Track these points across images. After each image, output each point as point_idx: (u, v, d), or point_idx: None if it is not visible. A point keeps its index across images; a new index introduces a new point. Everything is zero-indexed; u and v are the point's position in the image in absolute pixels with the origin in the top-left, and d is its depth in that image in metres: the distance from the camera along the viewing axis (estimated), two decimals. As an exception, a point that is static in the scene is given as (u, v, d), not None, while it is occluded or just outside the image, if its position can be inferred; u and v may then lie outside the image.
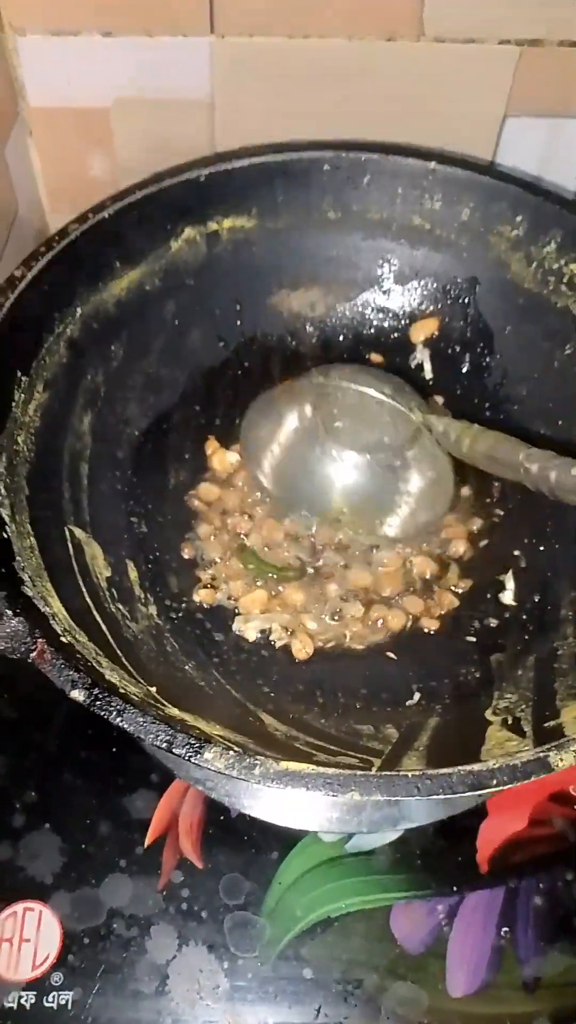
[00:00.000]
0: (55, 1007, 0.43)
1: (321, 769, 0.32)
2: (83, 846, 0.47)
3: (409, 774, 0.32)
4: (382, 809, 0.48)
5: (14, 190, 0.60)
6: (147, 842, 0.48)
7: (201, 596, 0.49)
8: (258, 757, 0.32)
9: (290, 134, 0.55)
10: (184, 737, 0.32)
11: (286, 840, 0.48)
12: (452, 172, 0.52)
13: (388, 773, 0.32)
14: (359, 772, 0.32)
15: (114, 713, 0.32)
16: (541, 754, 0.33)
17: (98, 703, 0.33)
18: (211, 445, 0.55)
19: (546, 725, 0.38)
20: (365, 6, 0.53)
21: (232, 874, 0.47)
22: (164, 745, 0.32)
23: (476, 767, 0.32)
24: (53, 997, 0.43)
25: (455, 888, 0.47)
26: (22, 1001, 0.43)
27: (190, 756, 0.32)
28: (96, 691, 0.33)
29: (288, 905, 0.46)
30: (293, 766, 0.32)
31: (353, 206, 0.54)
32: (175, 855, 0.47)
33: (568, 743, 0.33)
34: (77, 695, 0.33)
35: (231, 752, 0.32)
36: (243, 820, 0.48)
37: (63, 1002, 0.43)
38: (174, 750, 0.32)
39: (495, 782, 0.32)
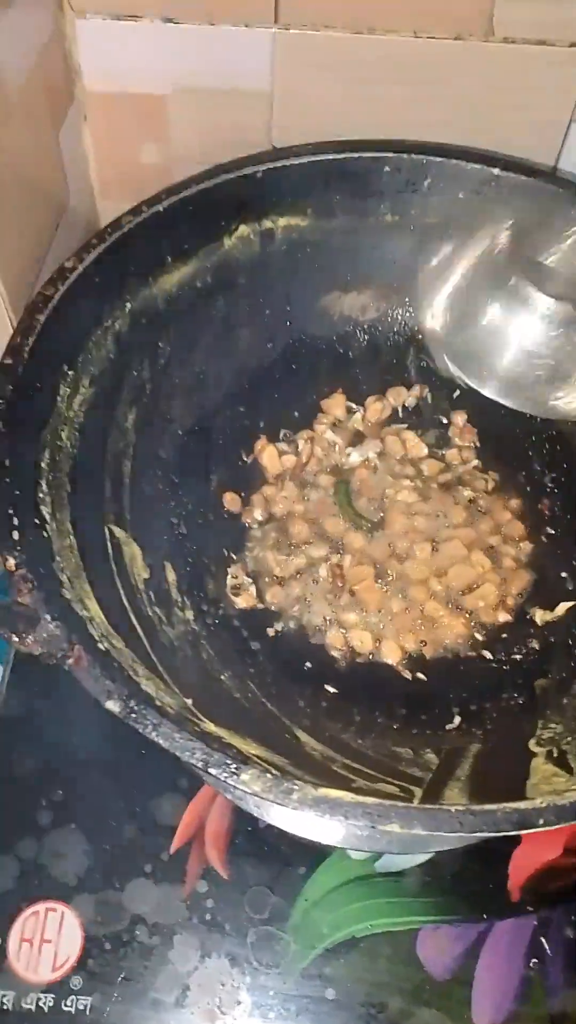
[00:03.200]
0: (73, 1011, 0.43)
1: (361, 799, 0.31)
2: (108, 848, 0.47)
3: (453, 808, 0.31)
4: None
5: (66, 176, 0.59)
6: (173, 848, 0.47)
7: (242, 600, 0.48)
8: (296, 782, 0.31)
9: (350, 131, 0.54)
10: (221, 757, 0.31)
11: (314, 855, 0.47)
12: (517, 179, 0.50)
13: (430, 807, 0.31)
14: (400, 803, 0.30)
15: (150, 727, 0.32)
16: (591, 794, 0.31)
17: (133, 716, 0.32)
18: (261, 443, 0.54)
19: (594, 761, 0.36)
20: (434, 3, 0.51)
21: (258, 887, 0.46)
22: (200, 764, 0.31)
23: (522, 805, 0.31)
24: (72, 1001, 0.43)
25: (484, 915, 0.46)
26: (40, 1003, 0.43)
27: (227, 778, 0.31)
28: (132, 703, 0.32)
29: (314, 922, 0.45)
30: (332, 793, 0.31)
31: (412, 210, 0.53)
32: (200, 863, 0.47)
33: (619, 784, 0.32)
34: (112, 706, 0.32)
35: (269, 775, 0.31)
36: (271, 832, 0.47)
37: (81, 1007, 0.43)
38: (210, 770, 0.31)
39: (542, 822, 0.31)
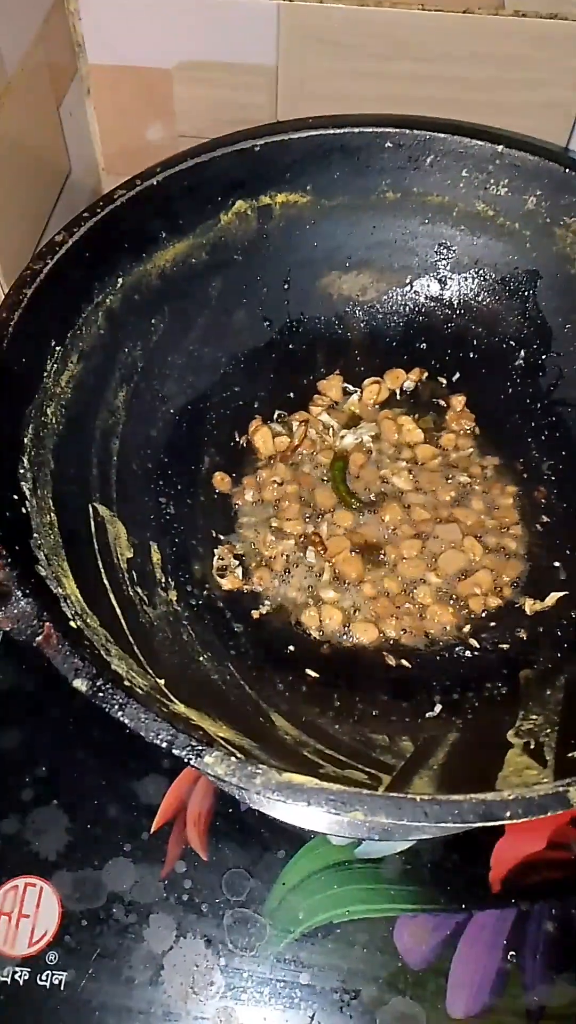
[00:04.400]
0: (48, 986, 0.43)
1: (325, 785, 0.30)
2: (89, 826, 0.47)
3: (417, 798, 0.30)
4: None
5: (67, 149, 0.58)
6: (153, 828, 0.47)
7: (228, 582, 0.48)
8: (260, 767, 0.30)
9: (356, 107, 0.53)
10: (185, 738, 0.31)
11: (294, 840, 0.47)
12: (521, 157, 0.49)
13: (395, 795, 0.30)
14: (365, 791, 0.30)
15: (116, 707, 0.31)
16: (560, 788, 0.31)
17: (100, 695, 0.31)
18: (255, 424, 0.53)
19: (571, 755, 0.35)
20: (443, -26, 0.50)
21: (236, 869, 0.46)
22: (164, 745, 0.31)
23: (489, 796, 0.30)
24: (47, 976, 0.43)
25: (463, 905, 0.46)
26: (16, 976, 0.43)
27: (190, 759, 0.30)
28: (99, 682, 0.32)
29: (291, 906, 0.45)
30: (296, 779, 0.30)
31: (414, 188, 0.52)
32: (180, 844, 0.47)
33: (590, 779, 0.31)
34: (79, 684, 0.32)
35: (233, 759, 0.30)
36: (252, 815, 0.47)
37: (56, 982, 0.43)
38: (174, 751, 0.31)
39: (508, 814, 0.30)
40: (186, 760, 0.31)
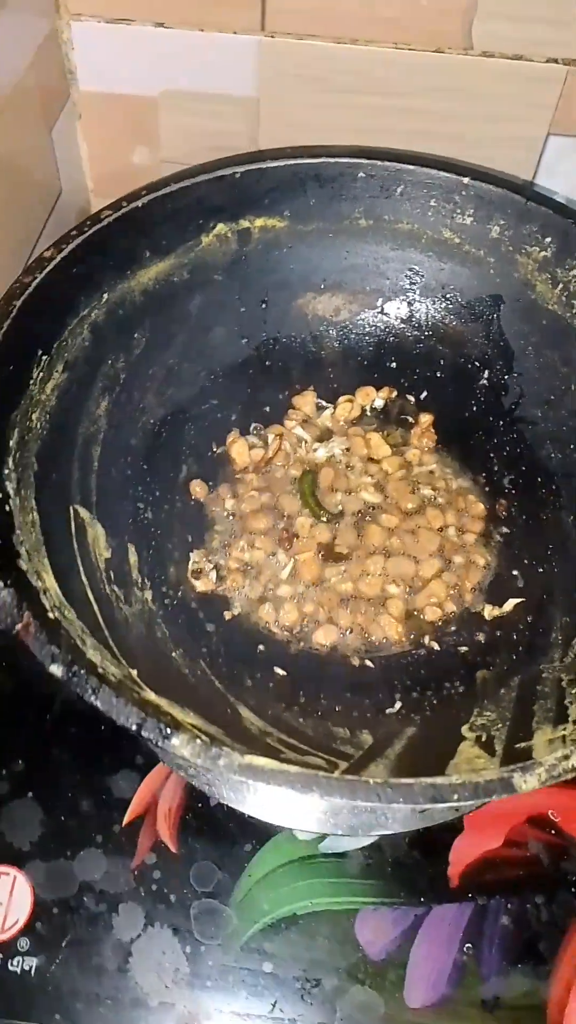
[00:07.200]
0: (19, 971, 0.44)
1: (285, 767, 0.32)
2: (63, 818, 0.48)
3: (371, 781, 0.32)
4: (359, 814, 0.48)
5: (59, 172, 0.61)
6: (125, 821, 0.48)
7: (201, 584, 0.50)
8: (224, 748, 0.32)
9: (332, 138, 0.56)
10: (154, 722, 0.33)
11: (261, 834, 0.48)
12: (485, 189, 0.52)
13: (351, 778, 0.32)
14: (321, 774, 0.32)
15: (89, 691, 0.33)
16: (505, 774, 0.33)
17: (75, 679, 0.33)
18: (232, 436, 0.55)
19: (517, 746, 0.38)
20: (415, 16, 0.53)
21: (204, 862, 0.48)
22: (134, 727, 0.33)
23: (439, 780, 0.32)
24: (18, 962, 0.44)
25: (423, 899, 0.47)
26: (-13, 962, 0.44)
27: (158, 741, 0.32)
28: (75, 667, 0.34)
29: (256, 898, 0.47)
30: (258, 761, 0.32)
31: (385, 215, 0.55)
32: (151, 837, 0.48)
33: (533, 766, 0.33)
34: (55, 670, 0.34)
35: (199, 741, 0.32)
36: (221, 810, 0.49)
37: (27, 967, 0.44)
38: (143, 733, 0.33)
39: (456, 796, 0.32)
40: (154, 742, 0.33)
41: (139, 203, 0.50)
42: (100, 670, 0.35)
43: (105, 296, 0.50)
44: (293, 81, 0.57)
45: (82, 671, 0.34)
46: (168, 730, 0.33)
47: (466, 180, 0.52)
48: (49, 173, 0.60)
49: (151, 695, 0.36)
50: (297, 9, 0.54)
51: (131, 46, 0.57)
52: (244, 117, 0.59)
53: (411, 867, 0.48)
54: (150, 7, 0.55)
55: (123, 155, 0.64)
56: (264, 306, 0.56)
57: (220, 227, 0.53)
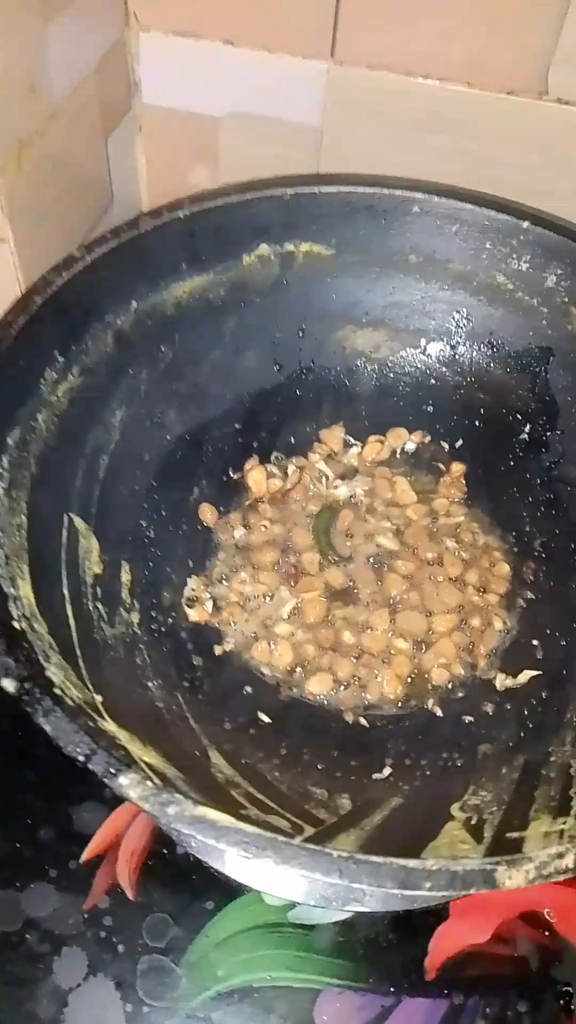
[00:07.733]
0: (-53, 1008, 0.41)
1: (240, 824, 0.29)
2: (17, 845, 0.45)
3: (335, 853, 0.29)
4: (334, 885, 0.44)
5: (111, 181, 0.60)
6: (84, 858, 0.45)
7: (196, 613, 0.47)
8: (176, 795, 0.29)
9: (394, 172, 0.54)
10: (104, 756, 0.30)
11: (227, 892, 0.45)
12: (545, 235, 0.49)
13: (311, 847, 0.29)
14: (280, 837, 0.29)
15: (40, 712, 0.31)
16: (488, 866, 0.29)
17: (25, 697, 0.31)
18: (251, 463, 0.53)
19: (509, 835, 0.34)
20: (490, 55, 0.51)
21: (161, 914, 0.44)
22: (81, 758, 0.30)
23: (411, 863, 0.29)
24: (-53, 997, 0.41)
25: (393, 988, 0.43)
26: None
27: (105, 776, 0.29)
28: (27, 684, 0.31)
29: (211, 962, 0.43)
30: (211, 814, 0.29)
31: (437, 254, 0.52)
32: (109, 879, 0.45)
33: (522, 861, 0.29)
34: (7, 684, 0.31)
35: (149, 783, 0.29)
36: (187, 860, 0.45)
37: (-44, 1004, 0.41)
38: (90, 765, 0.30)
39: (429, 885, 0.29)
40: (101, 776, 0.30)
41: (181, 214, 0.48)
42: (57, 691, 0.32)
43: (134, 305, 0.48)
44: (359, 113, 0.55)
45: (35, 689, 0.31)
46: (117, 767, 0.29)
47: (525, 224, 0.50)
48: (101, 181, 0.59)
49: (110, 725, 0.33)
50: (369, 39, 0.52)
51: (198, 63, 0.56)
52: (306, 146, 0.58)
53: (385, 950, 0.44)
54: (220, 24, 0.54)
55: (181, 173, 0.63)
56: (301, 335, 0.54)
57: (264, 248, 0.51)
